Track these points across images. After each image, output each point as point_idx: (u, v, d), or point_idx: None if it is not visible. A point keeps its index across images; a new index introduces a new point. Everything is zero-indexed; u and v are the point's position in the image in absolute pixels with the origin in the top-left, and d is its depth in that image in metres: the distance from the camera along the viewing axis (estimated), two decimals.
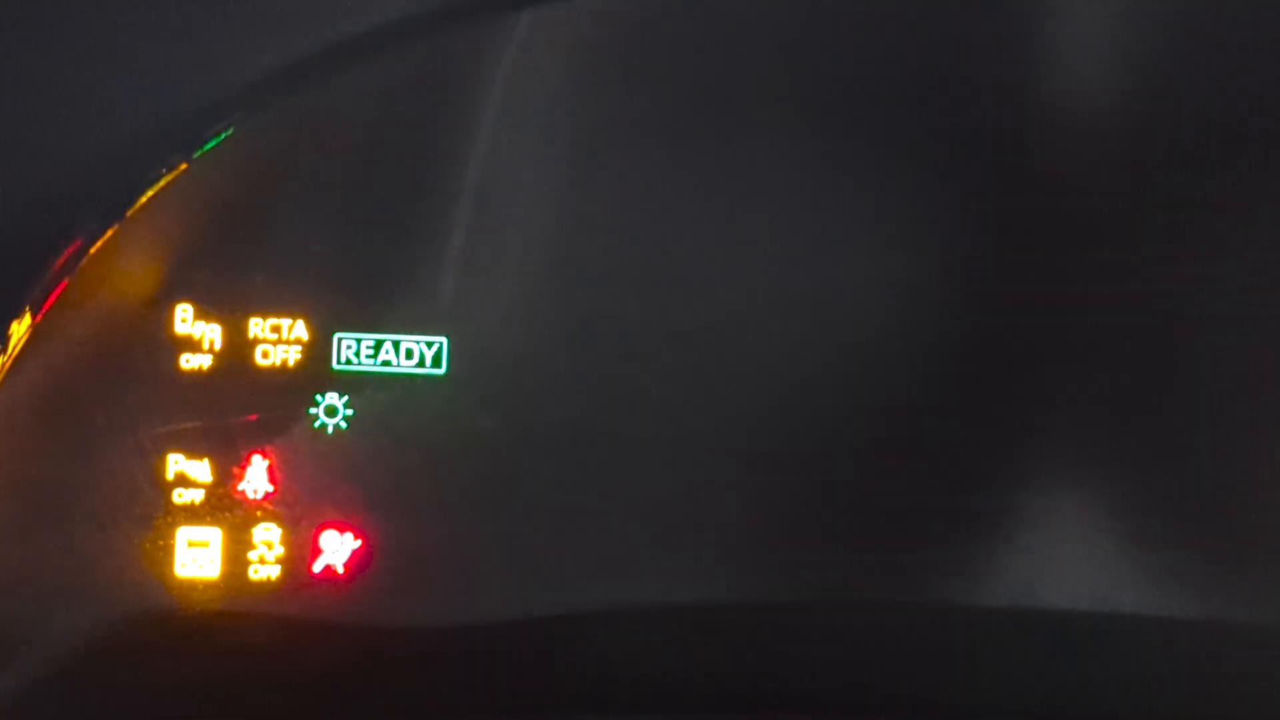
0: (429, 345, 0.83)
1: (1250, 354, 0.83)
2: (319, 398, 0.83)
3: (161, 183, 0.77)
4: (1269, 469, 0.83)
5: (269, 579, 0.83)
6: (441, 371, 0.83)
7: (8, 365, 0.73)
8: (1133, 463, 0.84)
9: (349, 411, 0.83)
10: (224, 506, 0.83)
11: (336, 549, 0.83)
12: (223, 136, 0.79)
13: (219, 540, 0.83)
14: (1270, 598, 0.83)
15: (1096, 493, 0.84)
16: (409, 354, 0.83)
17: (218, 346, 0.82)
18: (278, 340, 0.82)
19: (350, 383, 0.83)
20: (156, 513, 0.82)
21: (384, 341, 0.83)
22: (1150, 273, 0.83)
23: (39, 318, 0.75)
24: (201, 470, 0.82)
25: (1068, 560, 0.83)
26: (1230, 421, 0.84)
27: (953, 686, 0.85)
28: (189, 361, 0.82)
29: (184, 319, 0.82)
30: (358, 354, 0.83)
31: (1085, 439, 0.84)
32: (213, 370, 0.82)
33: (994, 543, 0.84)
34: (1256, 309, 0.83)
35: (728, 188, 0.84)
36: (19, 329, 0.73)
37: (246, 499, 0.83)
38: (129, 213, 0.77)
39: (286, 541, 0.83)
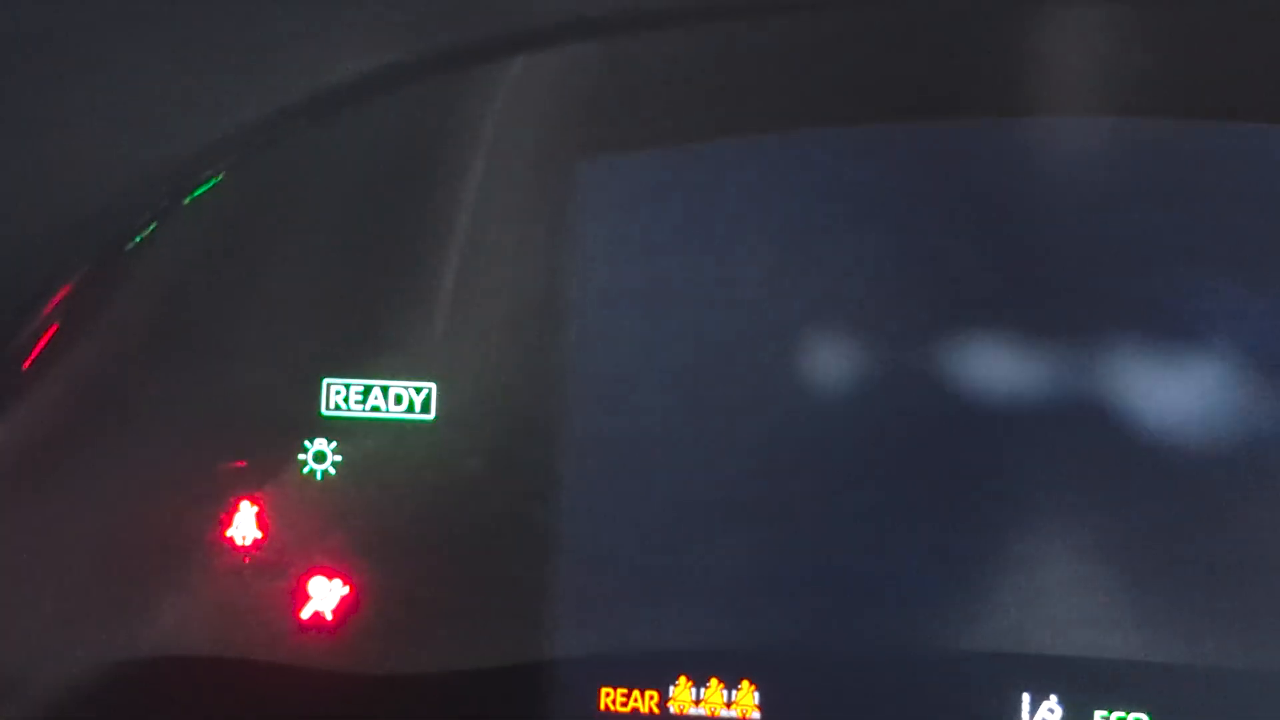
0: (418, 391, 0.84)
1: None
2: (307, 444, 0.83)
3: (151, 228, 0.79)
4: (1263, 510, 0.83)
5: (257, 626, 0.83)
6: (430, 417, 0.84)
7: None
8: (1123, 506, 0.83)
9: (338, 458, 0.84)
10: (212, 553, 0.83)
11: (325, 596, 0.83)
12: (212, 183, 0.80)
13: (207, 587, 0.82)
14: (1262, 643, 0.82)
15: (1087, 536, 0.83)
16: (398, 400, 0.84)
17: (207, 392, 0.82)
18: (267, 386, 0.82)
19: (339, 428, 0.84)
20: (145, 559, 0.82)
21: (373, 387, 0.84)
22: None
23: (29, 363, 0.76)
24: (190, 516, 0.82)
25: (1057, 605, 0.83)
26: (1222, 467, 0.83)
27: None
28: (178, 408, 0.82)
29: (174, 365, 0.82)
30: (346, 400, 0.84)
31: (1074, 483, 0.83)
32: (202, 416, 0.82)
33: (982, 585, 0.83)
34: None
35: (722, 233, 0.85)
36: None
37: (235, 545, 0.83)
38: (119, 258, 0.79)
39: (275, 589, 0.83)
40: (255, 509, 0.83)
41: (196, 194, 0.79)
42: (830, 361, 0.84)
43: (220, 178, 0.80)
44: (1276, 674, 0.81)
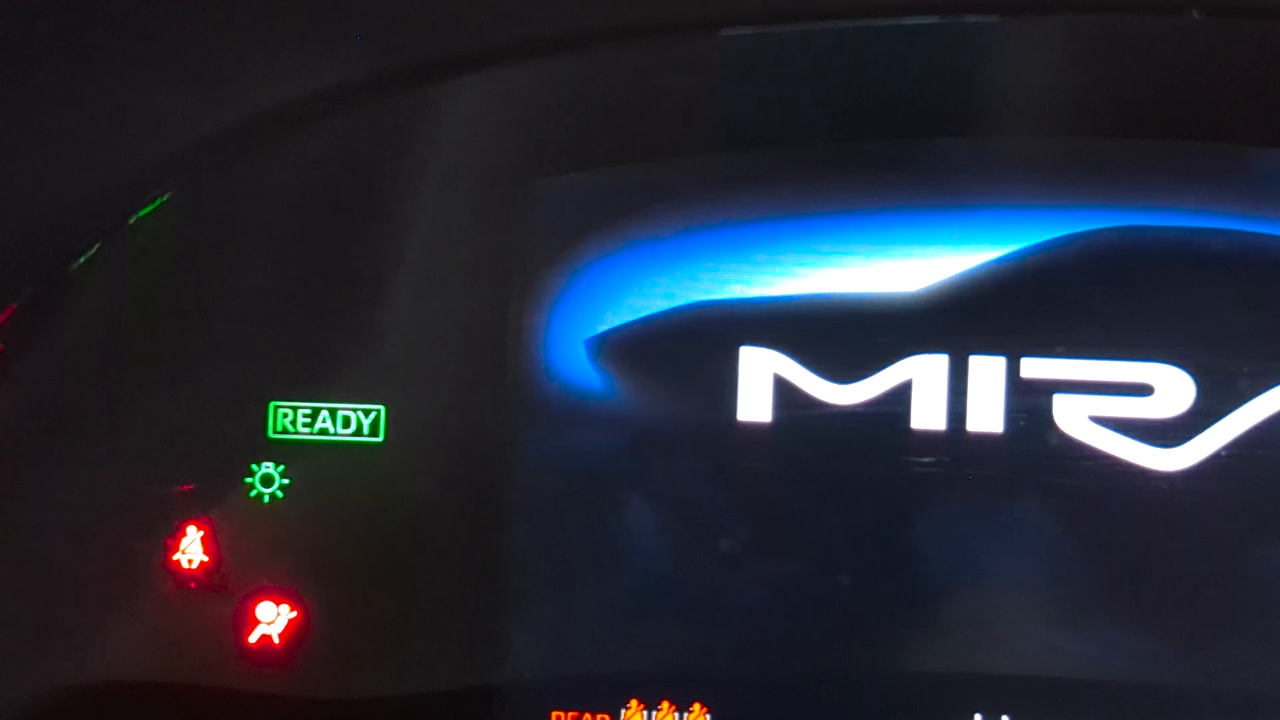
0: (366, 414, 0.83)
1: None
2: (255, 467, 0.83)
3: (95, 250, 0.78)
4: (1212, 529, 0.83)
5: (203, 651, 0.82)
6: (379, 440, 0.83)
7: None
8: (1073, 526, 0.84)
9: (286, 481, 0.83)
10: (158, 578, 0.82)
11: (273, 620, 0.82)
12: (157, 204, 0.79)
13: (152, 612, 0.82)
14: (1213, 661, 0.82)
15: (1038, 557, 0.83)
16: (346, 422, 0.83)
17: (153, 415, 0.81)
18: (213, 409, 0.82)
19: (287, 451, 0.83)
20: (89, 584, 0.81)
21: (321, 410, 0.83)
22: None
23: None
24: (135, 541, 0.81)
25: (1008, 625, 0.83)
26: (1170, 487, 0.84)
27: None
28: (123, 431, 0.81)
29: (118, 388, 0.81)
30: (294, 422, 0.83)
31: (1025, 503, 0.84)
32: (147, 440, 0.81)
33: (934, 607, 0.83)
34: None
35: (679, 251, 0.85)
36: None
37: (181, 570, 0.82)
38: (63, 280, 0.78)
39: (222, 613, 0.82)
40: (201, 533, 0.82)
41: (141, 214, 0.78)
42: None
43: (165, 198, 0.79)
44: (1227, 691, 0.81)
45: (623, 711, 0.84)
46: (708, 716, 0.83)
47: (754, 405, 0.84)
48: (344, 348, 0.83)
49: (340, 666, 0.82)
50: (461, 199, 0.82)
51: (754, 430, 0.83)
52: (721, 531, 0.83)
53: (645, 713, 0.84)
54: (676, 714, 0.83)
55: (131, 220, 0.78)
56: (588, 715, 0.83)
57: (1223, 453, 0.82)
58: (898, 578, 0.83)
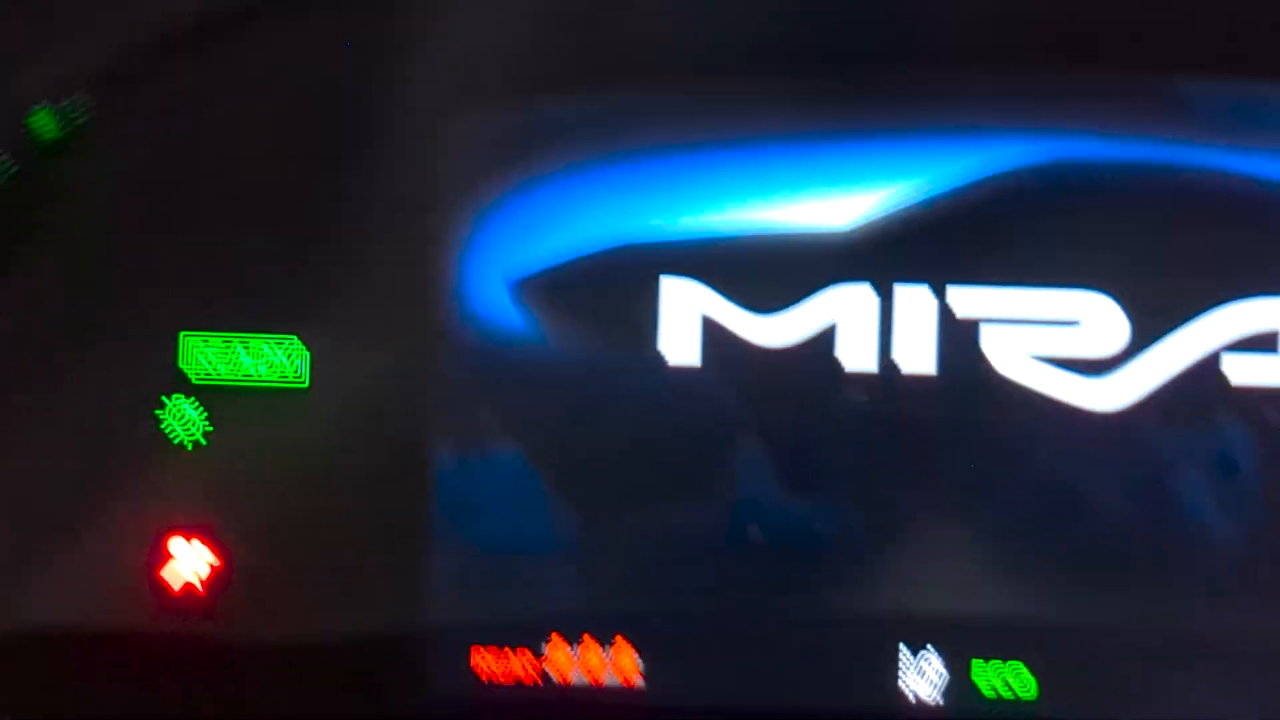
0: (289, 355, 0.82)
1: None
2: (166, 400, 0.82)
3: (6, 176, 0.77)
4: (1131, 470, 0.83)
5: (123, 595, 0.81)
6: (303, 383, 0.82)
7: None
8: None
9: (206, 423, 0.82)
10: (74, 520, 0.81)
11: (188, 559, 0.82)
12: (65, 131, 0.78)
13: (69, 555, 0.81)
14: (1132, 598, 0.83)
15: (961, 497, 0.84)
16: (268, 364, 0.82)
17: (64, 356, 0.80)
18: (125, 348, 0.81)
19: (208, 394, 0.82)
20: (4, 528, 0.81)
21: (238, 345, 0.82)
22: None
23: None
24: (49, 476, 0.81)
25: (933, 563, 0.83)
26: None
27: None
28: (34, 362, 0.80)
29: (30, 327, 0.80)
30: (209, 358, 0.82)
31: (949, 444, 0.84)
32: (59, 381, 0.80)
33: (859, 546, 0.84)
34: None
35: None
36: None
37: (96, 512, 0.81)
38: None
39: (139, 554, 0.82)
40: (115, 475, 0.81)
41: (45, 138, 0.77)
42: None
43: (77, 123, 0.78)
44: (1145, 626, 0.82)
45: (545, 646, 0.84)
46: (631, 649, 0.84)
47: (679, 344, 0.83)
48: (257, 279, 0.82)
49: (263, 611, 0.82)
50: (376, 135, 0.81)
51: (680, 370, 0.83)
52: (646, 471, 0.83)
53: (568, 647, 0.84)
54: (600, 647, 0.84)
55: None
56: (509, 650, 0.84)
57: (1151, 385, 0.82)
58: (827, 514, 0.83)
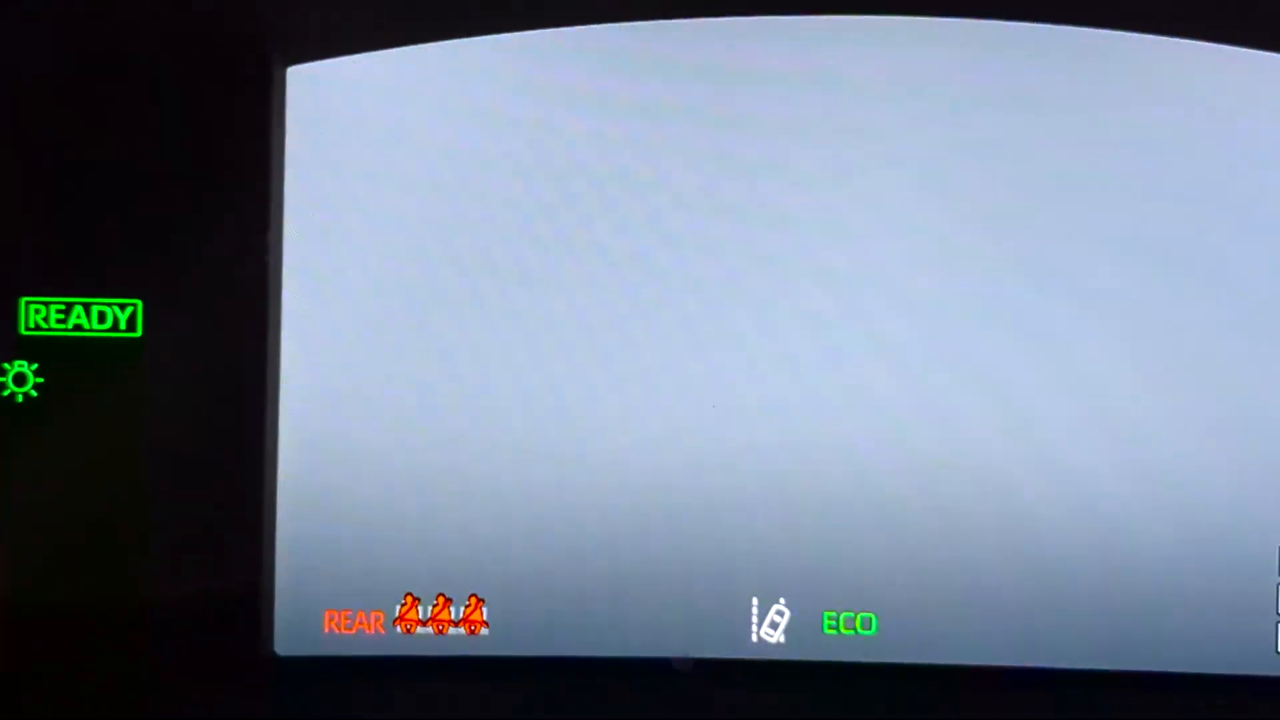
0: (122, 308, 0.80)
1: None
2: (6, 365, 0.79)
3: None
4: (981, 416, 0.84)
5: None
6: (136, 334, 0.80)
7: None
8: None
9: (39, 379, 0.79)
10: None
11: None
12: None
13: None
14: (978, 548, 0.83)
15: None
16: (101, 318, 0.80)
17: None
18: None
19: (40, 348, 0.80)
20: None
21: (75, 305, 0.80)
22: None
23: None
24: None
25: (782, 516, 0.83)
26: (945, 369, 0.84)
27: None
28: None
29: None
30: (48, 319, 0.80)
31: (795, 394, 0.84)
32: None
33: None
34: None
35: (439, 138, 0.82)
36: None
37: None
38: None
39: None
40: None
41: None
42: (555, 282, 0.82)
43: None
44: (990, 575, 0.83)
45: (397, 607, 0.83)
46: (483, 608, 0.83)
47: None
48: (97, 242, 0.80)
49: (106, 571, 0.80)
50: (212, 88, 0.79)
51: None
52: (495, 425, 0.82)
53: (420, 607, 0.83)
54: (451, 607, 0.83)
55: None
56: (361, 613, 0.82)
57: None
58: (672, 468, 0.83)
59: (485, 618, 0.83)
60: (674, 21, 0.82)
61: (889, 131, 0.82)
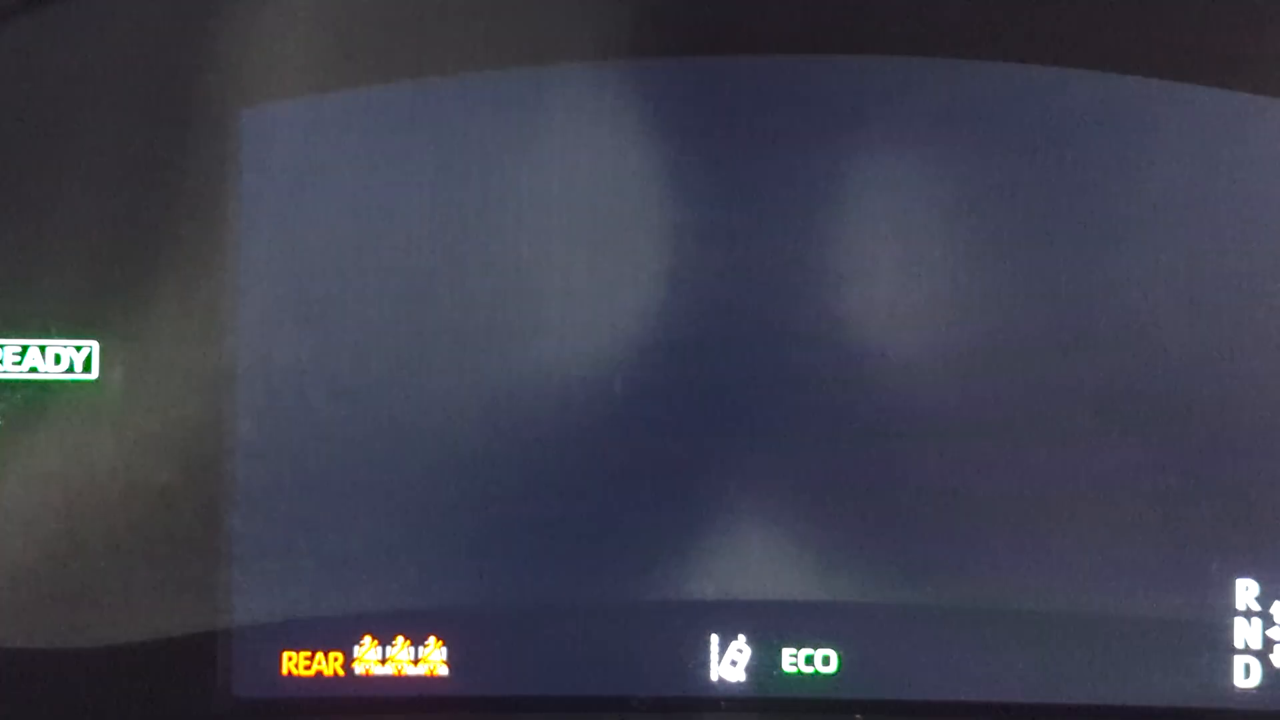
0: (78, 349, 0.80)
1: None
2: None
3: None
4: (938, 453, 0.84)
5: None
6: (93, 376, 0.80)
7: None
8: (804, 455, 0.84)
9: None
10: None
11: None
12: None
13: None
14: (941, 581, 0.84)
15: (770, 484, 0.84)
16: (56, 359, 0.79)
17: None
18: None
19: None
20: None
21: (29, 346, 0.79)
22: None
23: None
24: None
25: (741, 552, 0.84)
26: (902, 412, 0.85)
27: None
28: None
29: None
30: (2, 360, 0.79)
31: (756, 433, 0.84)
32: None
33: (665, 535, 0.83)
34: None
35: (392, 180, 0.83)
36: None
37: None
38: None
39: None
40: None
41: None
42: (516, 313, 0.82)
43: None
44: (954, 608, 0.83)
45: (356, 649, 0.82)
46: (443, 648, 0.83)
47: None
48: (53, 282, 0.79)
49: (62, 614, 0.79)
50: (169, 129, 0.79)
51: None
52: (454, 469, 0.82)
53: (380, 648, 0.82)
54: (411, 647, 0.83)
55: None
56: (320, 654, 0.82)
57: None
58: (632, 508, 0.83)
59: (445, 658, 0.83)
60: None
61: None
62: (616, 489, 0.83)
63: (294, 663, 0.82)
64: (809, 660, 0.83)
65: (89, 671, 0.80)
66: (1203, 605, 0.82)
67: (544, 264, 0.82)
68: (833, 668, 0.83)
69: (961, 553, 0.83)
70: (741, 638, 0.83)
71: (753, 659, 0.83)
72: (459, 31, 0.81)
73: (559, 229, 0.82)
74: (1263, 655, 0.83)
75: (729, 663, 0.83)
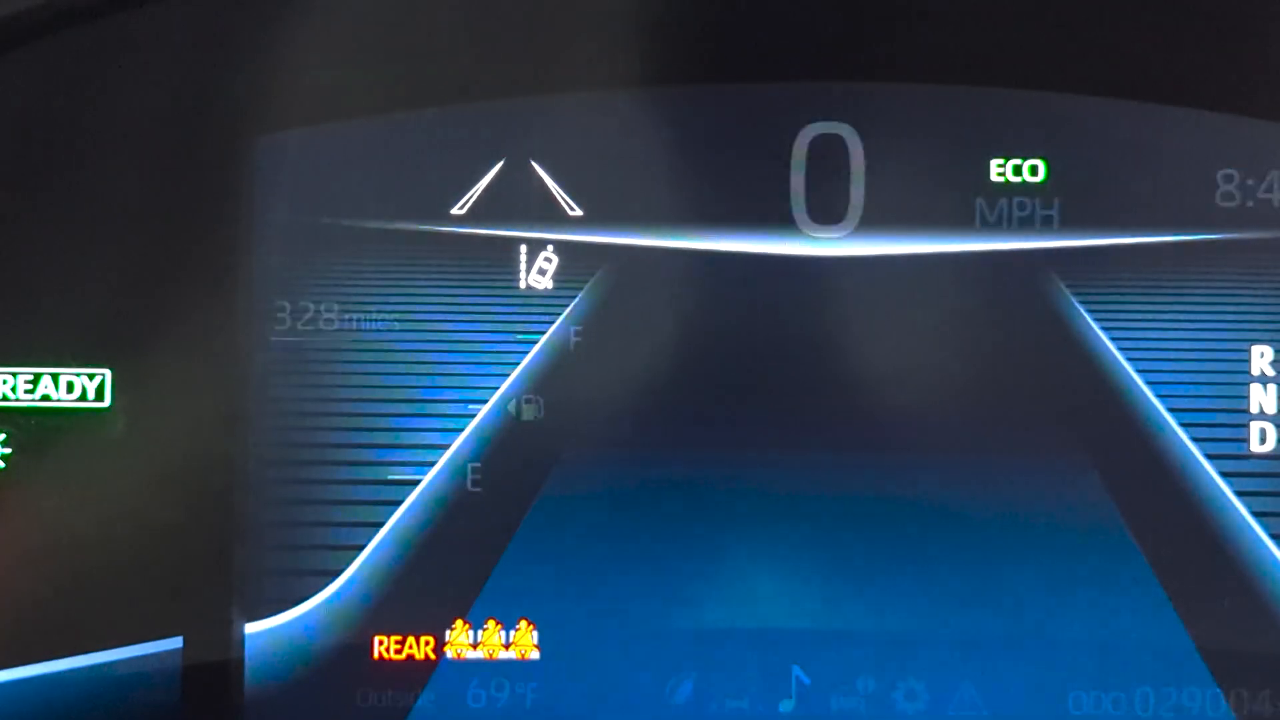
0: (91, 378, 0.80)
1: None
2: None
3: None
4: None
5: None
6: (105, 404, 0.80)
7: None
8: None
9: (7, 449, 0.79)
10: None
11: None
12: None
13: None
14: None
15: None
16: (70, 387, 0.79)
17: None
18: None
19: (8, 419, 0.79)
20: None
21: (43, 375, 0.79)
22: None
23: None
24: None
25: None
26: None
27: None
28: None
29: None
30: (14, 389, 0.79)
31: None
32: None
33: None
34: None
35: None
36: None
37: None
38: None
39: None
40: None
41: None
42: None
43: None
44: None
45: (448, 632, 0.82)
46: (534, 633, 0.82)
47: None
48: (67, 311, 0.79)
49: (72, 645, 0.79)
50: (184, 157, 0.80)
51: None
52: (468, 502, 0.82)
53: (471, 632, 0.82)
54: (503, 631, 0.82)
55: None
56: (412, 638, 0.81)
57: None
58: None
59: (536, 641, 0.82)
60: None
61: None
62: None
63: (385, 646, 0.82)
64: None
65: (99, 694, 0.79)
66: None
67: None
68: None
69: None
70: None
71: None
72: (469, 61, 0.81)
73: None
74: None
75: None
